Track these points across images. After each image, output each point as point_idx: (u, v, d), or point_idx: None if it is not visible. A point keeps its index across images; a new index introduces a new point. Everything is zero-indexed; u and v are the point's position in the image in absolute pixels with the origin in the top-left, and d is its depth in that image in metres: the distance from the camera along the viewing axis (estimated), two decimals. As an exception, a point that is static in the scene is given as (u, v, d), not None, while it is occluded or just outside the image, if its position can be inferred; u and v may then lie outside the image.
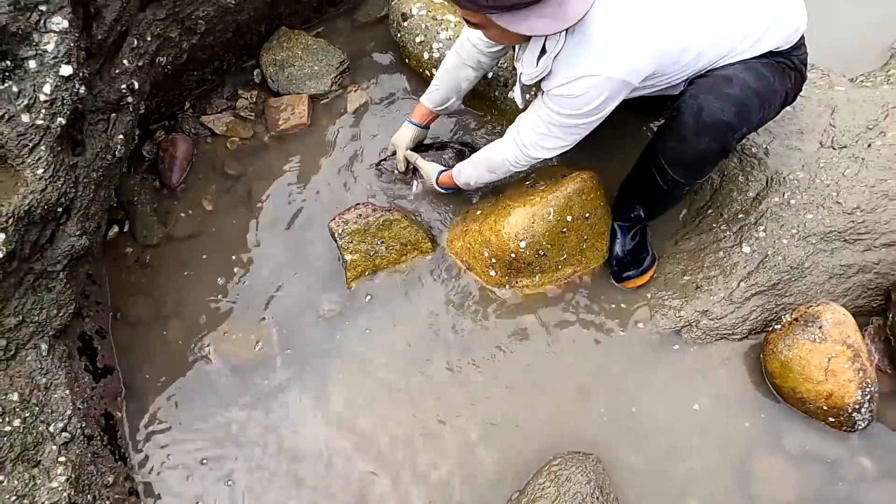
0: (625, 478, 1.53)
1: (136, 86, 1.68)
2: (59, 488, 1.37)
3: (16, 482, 1.32)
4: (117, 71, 1.63)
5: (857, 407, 1.47)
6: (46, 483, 1.36)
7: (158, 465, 1.61)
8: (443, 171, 1.79)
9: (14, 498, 1.31)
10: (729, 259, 1.73)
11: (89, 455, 1.47)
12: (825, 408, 1.49)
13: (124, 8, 1.62)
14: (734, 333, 1.68)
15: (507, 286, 1.77)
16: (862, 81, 2.01)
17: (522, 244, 1.68)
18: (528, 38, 1.37)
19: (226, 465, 1.61)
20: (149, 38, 1.74)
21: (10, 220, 1.35)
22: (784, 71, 1.53)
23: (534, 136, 1.49)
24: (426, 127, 1.88)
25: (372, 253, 1.79)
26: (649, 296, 1.75)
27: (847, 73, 2.04)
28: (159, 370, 1.71)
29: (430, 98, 1.80)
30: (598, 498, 1.39)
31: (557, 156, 1.57)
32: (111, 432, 1.61)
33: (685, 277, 1.75)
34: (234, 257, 1.87)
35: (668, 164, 1.51)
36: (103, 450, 1.54)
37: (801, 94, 1.93)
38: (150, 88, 1.83)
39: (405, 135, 1.86)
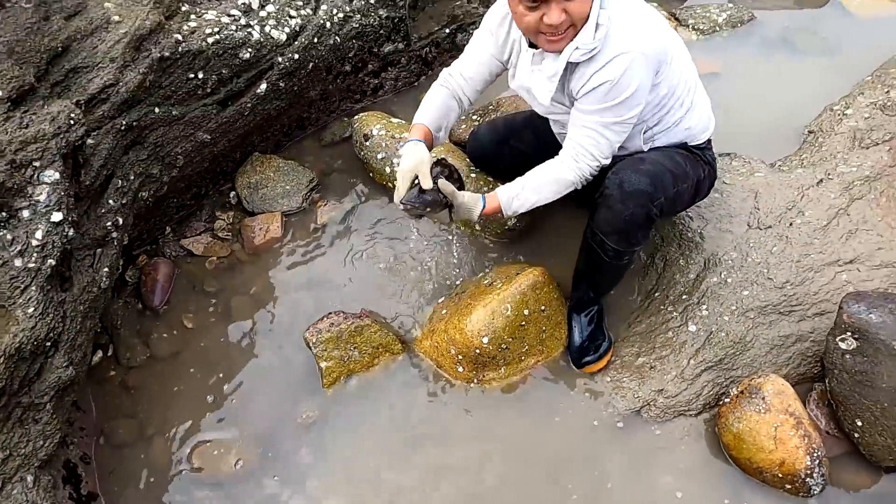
0: (601, 563, 1.58)
1: (121, 221, 1.83)
2: None
3: None
4: (103, 210, 1.78)
5: (808, 472, 1.56)
6: None
7: (142, 590, 1.61)
8: (486, 199, 1.68)
9: None
10: (678, 338, 1.86)
11: (73, 586, 1.49)
12: (780, 475, 1.58)
13: (110, 154, 1.80)
14: (690, 409, 1.78)
15: (475, 380, 1.87)
16: (780, 166, 2.25)
17: (485, 340, 1.80)
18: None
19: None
20: (132, 177, 1.91)
21: (2, 359, 1.44)
22: (697, 161, 1.79)
23: (590, 146, 1.60)
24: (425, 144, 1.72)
25: (346, 358, 1.89)
26: (609, 379, 1.86)
27: (766, 159, 2.27)
28: (143, 492, 1.75)
29: (430, 118, 1.74)
30: (574, 586, 1.43)
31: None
32: (95, 560, 1.63)
33: (640, 359, 1.87)
34: (215, 372, 1.96)
35: (605, 235, 1.68)
36: (87, 580, 1.55)
37: (727, 181, 2.16)
38: (133, 220, 1.99)
39: (422, 153, 1.64)
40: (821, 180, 2.11)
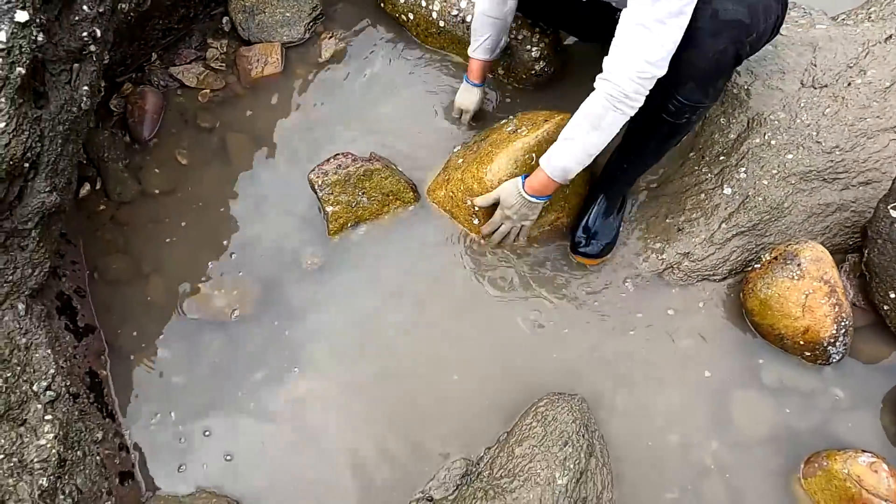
0: (609, 415, 1.57)
1: (98, 33, 1.60)
2: (48, 445, 1.36)
3: (2, 440, 1.31)
4: (77, 17, 1.54)
5: (832, 341, 1.51)
6: (34, 441, 1.36)
7: (146, 421, 1.61)
8: (526, 177, 1.58)
9: (2, 456, 1.30)
10: (710, 201, 1.74)
11: (76, 413, 1.46)
12: (802, 343, 1.53)
13: (80, -51, 1.52)
14: (715, 274, 1.70)
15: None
16: (843, 19, 1.99)
17: (505, 191, 1.66)
18: None
19: (211, 422, 1.61)
20: (108, -18, 1.64)
21: (-25, 177, 1.30)
22: None
23: (639, 51, 1.32)
24: (483, 84, 1.85)
25: (354, 204, 1.76)
26: (634, 238, 1.76)
27: (829, 12, 2.02)
28: (141, 328, 1.69)
29: (484, 48, 1.76)
30: (583, 435, 1.43)
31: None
32: (97, 390, 1.60)
33: (667, 220, 1.75)
34: (212, 212, 1.83)
35: (682, 82, 1.41)
36: (90, 407, 1.53)
37: (782, 33, 1.92)
38: (114, 38, 1.74)
39: (474, 100, 1.83)
40: (890, 36, 1.88)
